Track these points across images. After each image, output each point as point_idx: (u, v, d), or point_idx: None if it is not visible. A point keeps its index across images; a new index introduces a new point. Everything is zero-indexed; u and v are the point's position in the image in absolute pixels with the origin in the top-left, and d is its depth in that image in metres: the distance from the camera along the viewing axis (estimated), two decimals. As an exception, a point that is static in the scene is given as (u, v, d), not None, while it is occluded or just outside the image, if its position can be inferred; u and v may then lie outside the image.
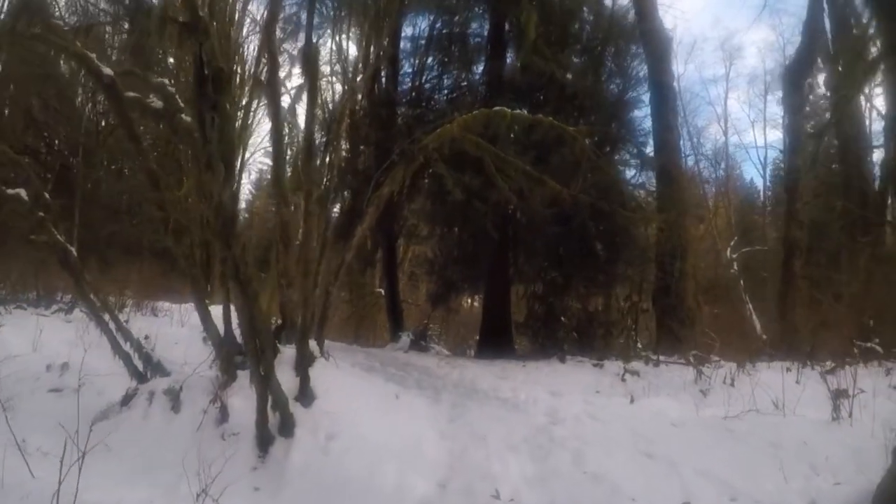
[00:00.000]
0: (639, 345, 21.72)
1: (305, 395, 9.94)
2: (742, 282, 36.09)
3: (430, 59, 23.88)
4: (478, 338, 23.68)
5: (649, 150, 23.24)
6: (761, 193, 55.86)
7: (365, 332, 31.67)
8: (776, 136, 74.00)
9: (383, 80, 23.81)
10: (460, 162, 17.21)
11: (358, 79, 17.78)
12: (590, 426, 10.50)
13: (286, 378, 9.74)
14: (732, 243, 39.95)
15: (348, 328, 30.82)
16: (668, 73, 23.82)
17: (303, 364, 10.11)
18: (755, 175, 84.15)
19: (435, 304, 24.28)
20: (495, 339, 21.47)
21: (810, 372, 13.93)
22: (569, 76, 20.13)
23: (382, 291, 29.40)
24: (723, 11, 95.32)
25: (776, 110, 60.93)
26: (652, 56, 23.54)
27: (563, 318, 20.95)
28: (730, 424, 10.01)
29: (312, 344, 11.34)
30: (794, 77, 22.81)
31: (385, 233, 24.55)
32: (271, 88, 11.24)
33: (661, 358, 17.21)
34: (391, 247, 25.98)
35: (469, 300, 31.61)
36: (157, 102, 10.27)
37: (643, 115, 23.97)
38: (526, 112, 16.75)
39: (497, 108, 13.87)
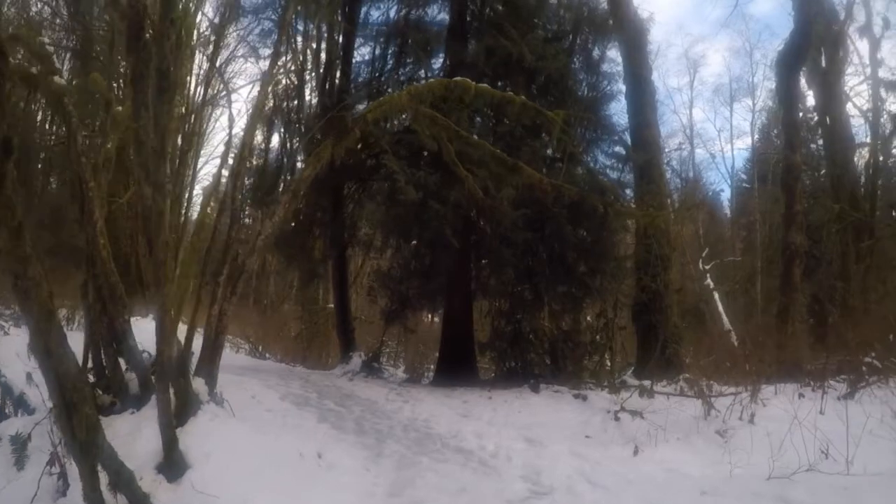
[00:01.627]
0: (621, 369, 18.61)
1: (172, 463, 6.85)
2: (716, 295, 32.94)
3: (388, 50, 21.49)
4: (436, 360, 20.03)
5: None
6: (726, 204, 53.31)
7: (317, 351, 28.24)
8: (743, 144, 70.92)
9: (337, 76, 21.59)
10: (415, 158, 15.81)
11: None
12: (589, 498, 7.46)
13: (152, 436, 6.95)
14: (704, 254, 36.68)
15: (300, 347, 27.58)
16: (645, 65, 20.84)
17: (166, 417, 6.88)
18: (720, 185, 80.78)
19: (389, 321, 20.88)
20: (456, 363, 18.49)
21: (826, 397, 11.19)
22: (539, 63, 16.78)
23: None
24: (686, 18, 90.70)
25: (743, 118, 57.95)
26: (627, 47, 20.70)
27: (532, 338, 17.65)
28: (782, 490, 7.05)
29: (197, 383, 9.08)
30: (789, 63, 19.74)
31: (333, 242, 21.74)
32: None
33: (655, 387, 13.90)
34: (340, 257, 22.90)
35: (430, 315, 28.20)
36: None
37: (619, 111, 21.35)
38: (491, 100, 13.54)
39: (458, 78, 10.58)
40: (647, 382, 14.34)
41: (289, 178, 20.83)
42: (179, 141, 37.01)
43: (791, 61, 19.70)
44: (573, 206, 15.69)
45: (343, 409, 12.80)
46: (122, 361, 9.47)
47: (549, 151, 17.32)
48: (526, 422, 11.82)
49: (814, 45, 21.16)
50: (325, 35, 21.81)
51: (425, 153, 16.16)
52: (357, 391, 15.25)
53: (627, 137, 20.18)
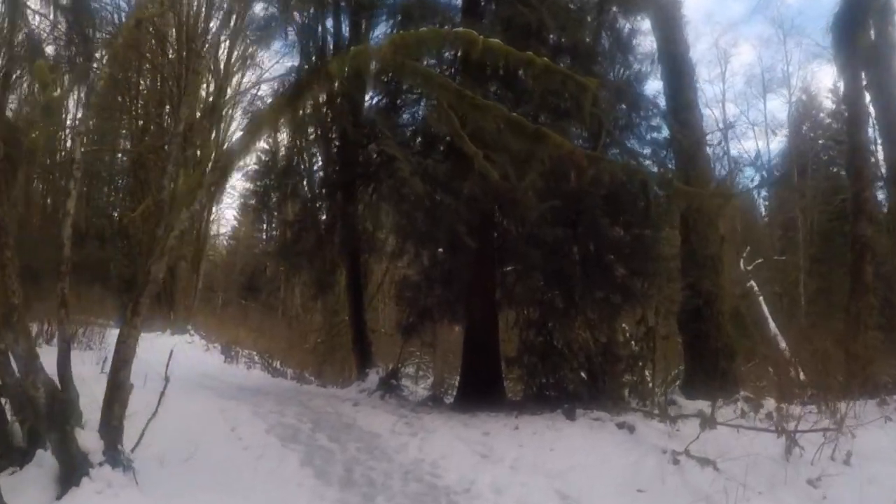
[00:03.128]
0: (665, 386, 16.08)
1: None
2: (761, 298, 29.85)
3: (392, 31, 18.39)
4: (458, 379, 17.34)
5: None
6: (760, 200, 50.05)
7: (339, 365, 25.61)
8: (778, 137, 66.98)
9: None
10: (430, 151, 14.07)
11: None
12: None
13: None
14: (745, 254, 33.45)
15: (317, 361, 25.12)
16: (681, 41, 18.00)
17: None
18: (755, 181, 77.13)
19: (405, 335, 18.16)
20: (480, 381, 15.71)
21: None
22: (563, 35, 14.20)
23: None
24: (714, 6, 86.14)
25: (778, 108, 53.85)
26: (660, 22, 17.86)
27: (566, 352, 14.84)
28: None
29: (86, 437, 6.91)
30: (846, 27, 16.62)
31: (346, 249, 19.39)
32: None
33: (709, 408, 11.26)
34: (354, 265, 20.48)
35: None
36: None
37: (654, 95, 17.99)
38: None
39: (461, 29, 8.04)
40: (701, 405, 11.91)
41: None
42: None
43: (848, 23, 16.63)
44: (610, 198, 13.18)
45: (335, 447, 10.46)
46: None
47: (579, 140, 14.68)
48: (560, 466, 9.19)
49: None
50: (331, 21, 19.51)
51: (441, 148, 13.87)
52: (360, 419, 12.72)
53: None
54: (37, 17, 26.47)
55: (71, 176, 7.49)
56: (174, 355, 23.73)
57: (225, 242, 55.57)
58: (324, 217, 18.95)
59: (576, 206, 13.17)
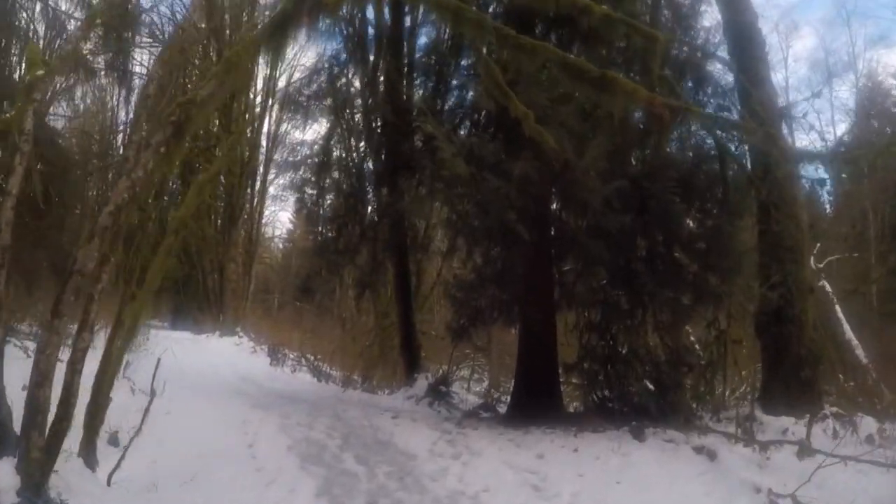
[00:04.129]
0: (740, 398, 14.42)
1: None
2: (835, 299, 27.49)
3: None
4: (512, 387, 15.61)
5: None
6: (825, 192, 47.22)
7: (390, 369, 23.90)
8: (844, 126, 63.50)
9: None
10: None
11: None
12: None
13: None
14: (815, 250, 30.99)
15: (365, 365, 23.45)
16: (749, 9, 15.72)
17: None
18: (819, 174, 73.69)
19: (456, 339, 16.26)
20: (535, 390, 13.82)
21: None
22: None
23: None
24: None
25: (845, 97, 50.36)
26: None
27: (632, 359, 12.96)
28: None
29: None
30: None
31: (391, 247, 18.05)
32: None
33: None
34: (401, 264, 19.01)
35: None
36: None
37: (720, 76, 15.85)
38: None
39: None
40: (785, 422, 10.42)
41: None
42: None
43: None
44: (682, 182, 11.42)
45: (362, 471, 8.83)
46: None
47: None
48: (629, 500, 7.43)
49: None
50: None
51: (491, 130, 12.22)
52: (397, 435, 11.02)
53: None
54: (73, 23, 26.11)
55: (17, 149, 5.83)
56: (220, 357, 22.51)
57: (280, 245, 54.59)
58: (367, 212, 17.61)
59: (642, 192, 11.33)
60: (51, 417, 5.79)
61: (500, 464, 8.99)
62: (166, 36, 26.49)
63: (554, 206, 13.22)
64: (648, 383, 12.81)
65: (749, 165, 13.83)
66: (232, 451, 9.50)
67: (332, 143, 18.13)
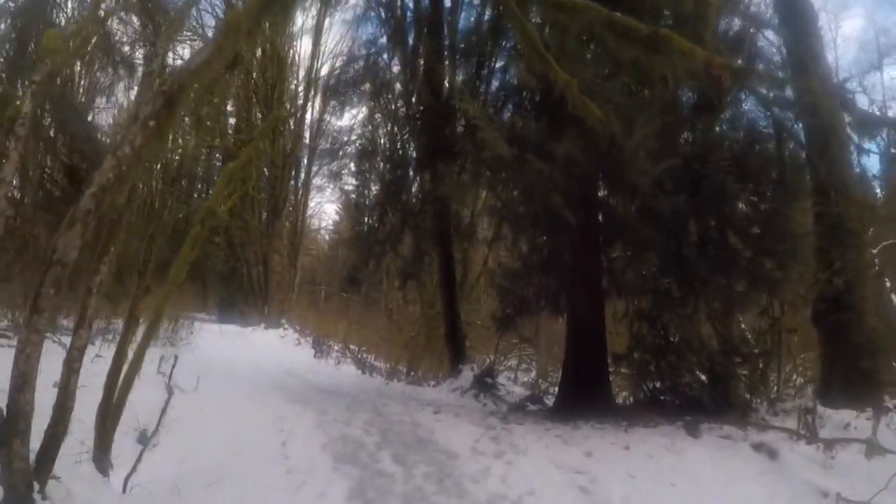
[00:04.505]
0: (797, 390, 13.56)
1: None
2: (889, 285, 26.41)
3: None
4: (559, 379, 14.98)
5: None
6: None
7: (437, 360, 23.36)
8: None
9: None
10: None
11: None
12: None
13: None
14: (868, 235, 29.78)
15: (410, 357, 22.92)
16: (800, -17, 14.91)
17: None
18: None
19: (501, 329, 15.93)
20: (583, 382, 13.08)
21: None
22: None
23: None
24: None
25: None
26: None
27: (684, 349, 12.26)
28: None
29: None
30: None
31: (436, 235, 17.65)
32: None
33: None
34: (445, 252, 18.48)
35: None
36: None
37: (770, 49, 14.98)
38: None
39: None
40: (846, 415, 9.59)
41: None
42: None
43: None
44: (735, 161, 10.68)
45: (399, 471, 8.26)
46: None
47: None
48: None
49: None
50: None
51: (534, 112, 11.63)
52: (438, 432, 10.44)
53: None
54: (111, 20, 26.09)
55: (12, 133, 5.31)
56: (263, 350, 22.17)
57: (327, 237, 54.38)
58: (409, 200, 17.05)
59: (693, 173, 10.69)
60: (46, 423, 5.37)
61: (547, 463, 8.42)
62: (205, 30, 26.43)
63: (601, 189, 12.58)
64: (701, 374, 12.20)
65: (805, 144, 13.10)
66: (264, 449, 9.06)
67: (371, 129, 17.71)
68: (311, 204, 45.24)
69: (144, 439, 8.74)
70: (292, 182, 40.63)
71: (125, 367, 6.94)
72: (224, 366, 17.02)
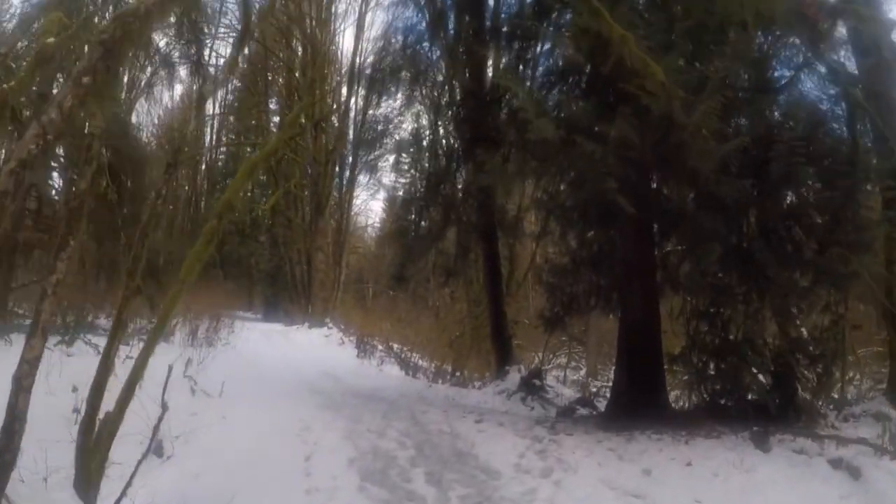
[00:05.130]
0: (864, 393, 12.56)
1: None
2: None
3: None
4: (611, 382, 14.31)
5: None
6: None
7: (479, 359, 22.42)
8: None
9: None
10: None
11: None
12: None
13: None
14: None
15: (454, 357, 22.09)
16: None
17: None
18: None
19: (549, 328, 14.79)
20: (637, 386, 12.02)
21: None
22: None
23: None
24: None
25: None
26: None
27: (746, 350, 11.19)
28: None
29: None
30: None
31: (480, 230, 16.68)
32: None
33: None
34: (490, 249, 17.58)
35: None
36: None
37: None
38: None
39: None
40: None
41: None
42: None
43: None
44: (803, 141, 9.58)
45: (431, 494, 7.34)
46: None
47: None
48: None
49: None
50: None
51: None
52: (479, 444, 9.47)
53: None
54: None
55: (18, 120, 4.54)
56: (304, 350, 21.48)
57: (374, 234, 53.95)
58: (452, 193, 16.33)
59: (755, 157, 9.67)
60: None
61: (599, 483, 7.47)
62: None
63: (655, 176, 11.46)
64: (763, 377, 11.17)
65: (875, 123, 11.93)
66: (285, 463, 8.21)
67: (411, 119, 16.90)
68: (357, 202, 44.90)
69: (160, 450, 7.98)
70: (336, 179, 40.15)
71: (111, 376, 6.10)
72: (259, 367, 16.30)
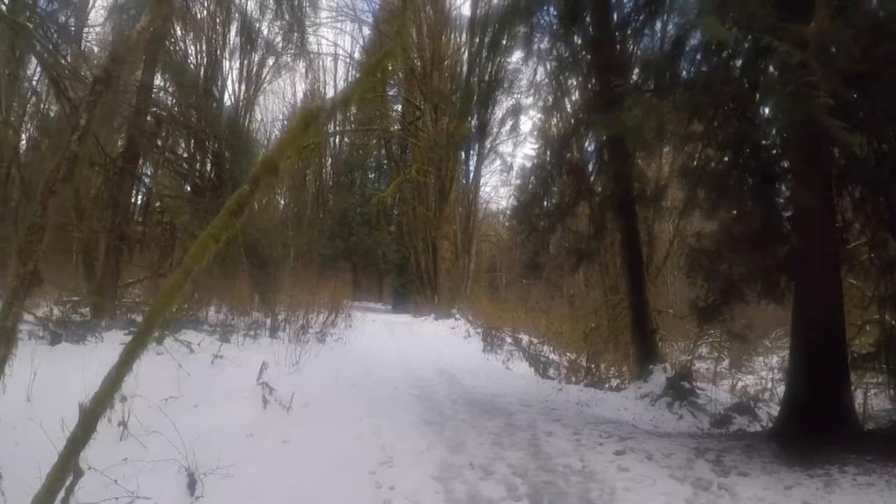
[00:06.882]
0: None
1: None
2: None
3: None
4: (783, 391, 11.24)
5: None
6: None
7: (616, 353, 19.80)
8: None
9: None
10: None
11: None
12: None
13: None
14: None
15: (593, 351, 19.46)
16: None
17: None
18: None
19: (703, 320, 12.43)
20: (816, 397, 9.14)
21: None
22: None
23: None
24: None
25: None
26: None
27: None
28: None
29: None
30: None
31: (616, 205, 13.99)
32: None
33: None
34: (629, 226, 14.78)
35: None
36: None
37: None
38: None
39: None
40: None
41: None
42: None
43: None
44: None
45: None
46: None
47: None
48: None
49: None
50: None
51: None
52: (620, 489, 6.71)
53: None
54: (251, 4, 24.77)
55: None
56: (426, 344, 19.37)
57: (506, 223, 52.28)
58: (583, 164, 14.24)
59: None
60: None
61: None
62: (357, 12, 25.49)
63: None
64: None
65: None
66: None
67: (524, 72, 14.44)
68: (487, 188, 43.36)
69: (193, 485, 5.83)
70: (462, 166, 38.72)
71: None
72: (364, 367, 14.01)
